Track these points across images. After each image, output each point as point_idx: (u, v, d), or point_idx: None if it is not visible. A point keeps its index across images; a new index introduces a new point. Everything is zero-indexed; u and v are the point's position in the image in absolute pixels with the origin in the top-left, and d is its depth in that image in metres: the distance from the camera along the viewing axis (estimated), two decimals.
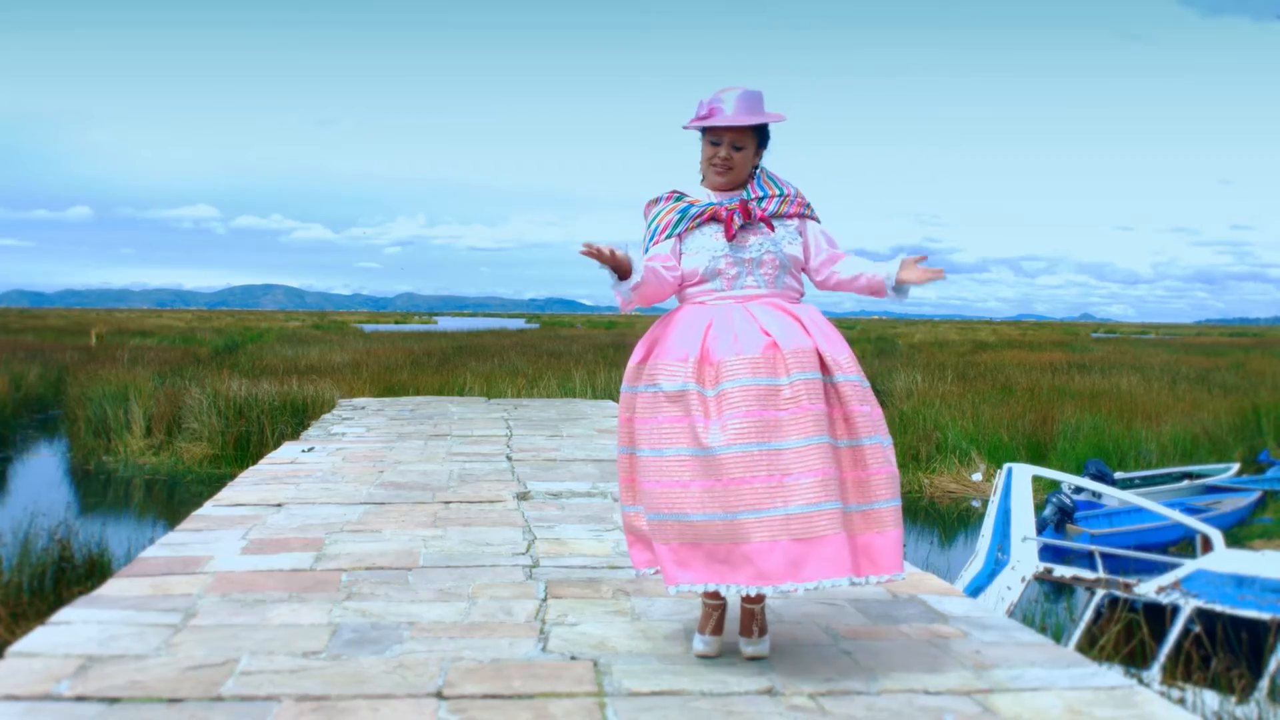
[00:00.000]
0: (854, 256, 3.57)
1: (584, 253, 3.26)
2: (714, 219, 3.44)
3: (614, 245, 3.30)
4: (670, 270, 3.43)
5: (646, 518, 3.32)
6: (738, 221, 3.41)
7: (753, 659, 3.41)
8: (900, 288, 3.50)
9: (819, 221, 3.57)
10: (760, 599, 3.46)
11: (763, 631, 3.48)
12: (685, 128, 3.52)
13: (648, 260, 3.39)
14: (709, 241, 3.42)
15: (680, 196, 3.51)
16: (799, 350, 3.25)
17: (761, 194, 3.48)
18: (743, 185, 3.50)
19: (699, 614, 3.57)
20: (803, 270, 3.55)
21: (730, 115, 3.38)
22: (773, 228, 3.45)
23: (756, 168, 3.55)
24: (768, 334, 3.28)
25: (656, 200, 3.54)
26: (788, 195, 3.50)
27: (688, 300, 3.47)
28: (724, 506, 3.17)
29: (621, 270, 3.31)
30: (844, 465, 3.26)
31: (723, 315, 3.36)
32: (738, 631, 3.49)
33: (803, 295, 3.54)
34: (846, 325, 68.82)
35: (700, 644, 3.46)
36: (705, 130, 3.47)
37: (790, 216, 3.50)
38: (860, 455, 3.27)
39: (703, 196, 3.49)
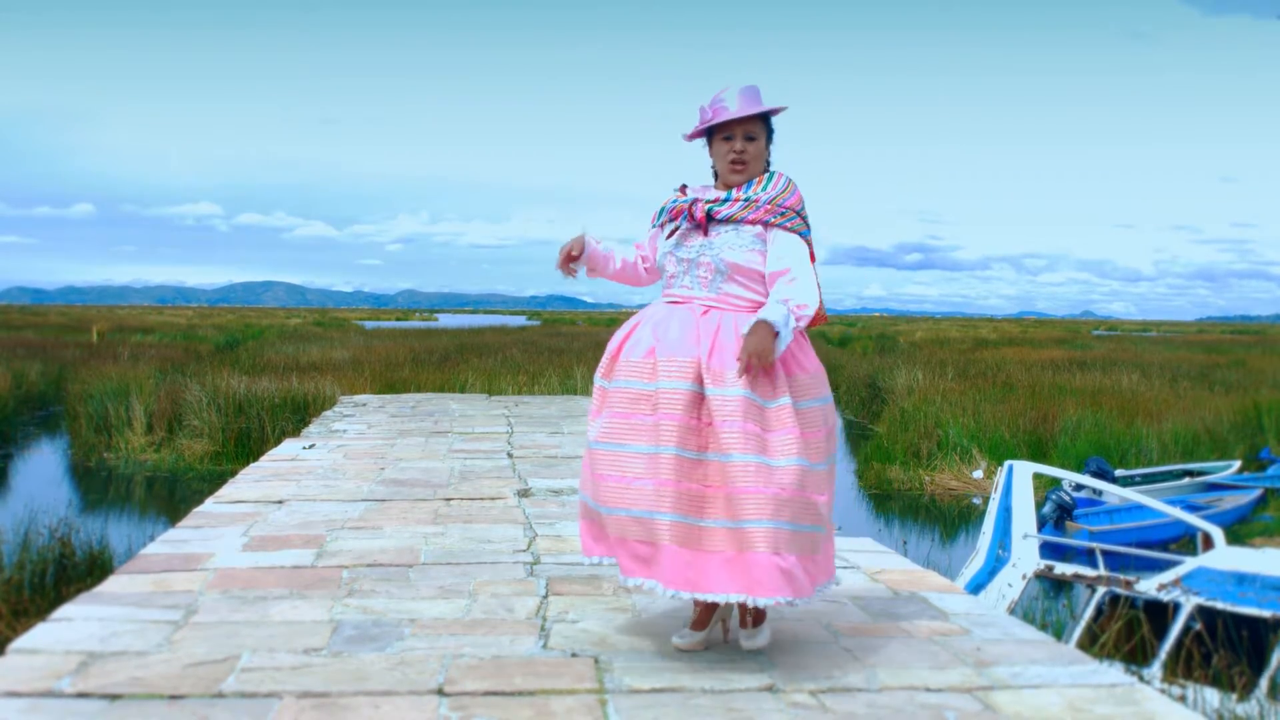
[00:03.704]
0: (782, 285, 3.34)
1: (559, 266, 3.59)
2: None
3: (571, 243, 3.58)
4: (645, 260, 3.65)
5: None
6: (680, 222, 3.47)
7: (752, 652, 3.41)
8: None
9: (796, 234, 3.40)
10: None
11: (758, 621, 3.44)
12: (690, 137, 3.54)
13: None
14: (666, 239, 3.53)
15: (681, 188, 3.57)
16: (672, 359, 3.28)
17: (726, 197, 3.44)
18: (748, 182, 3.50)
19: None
20: (761, 280, 3.41)
21: (738, 108, 3.41)
22: (707, 232, 3.42)
23: (769, 165, 3.54)
24: (657, 339, 3.35)
25: None
26: (754, 201, 3.41)
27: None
28: (593, 495, 3.38)
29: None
30: (710, 479, 3.19)
31: (650, 317, 3.45)
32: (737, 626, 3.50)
33: (755, 304, 3.38)
34: (846, 323, 68.60)
35: (676, 638, 3.49)
36: (715, 131, 3.48)
37: (751, 223, 3.40)
38: (727, 471, 3.17)
39: (707, 193, 3.52)
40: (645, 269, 3.64)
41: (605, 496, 3.31)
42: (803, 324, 3.33)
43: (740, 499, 3.15)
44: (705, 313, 3.37)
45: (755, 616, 3.45)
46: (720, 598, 3.16)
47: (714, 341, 3.29)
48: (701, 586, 3.18)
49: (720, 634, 3.54)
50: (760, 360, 3.18)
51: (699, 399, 3.25)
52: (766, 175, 3.50)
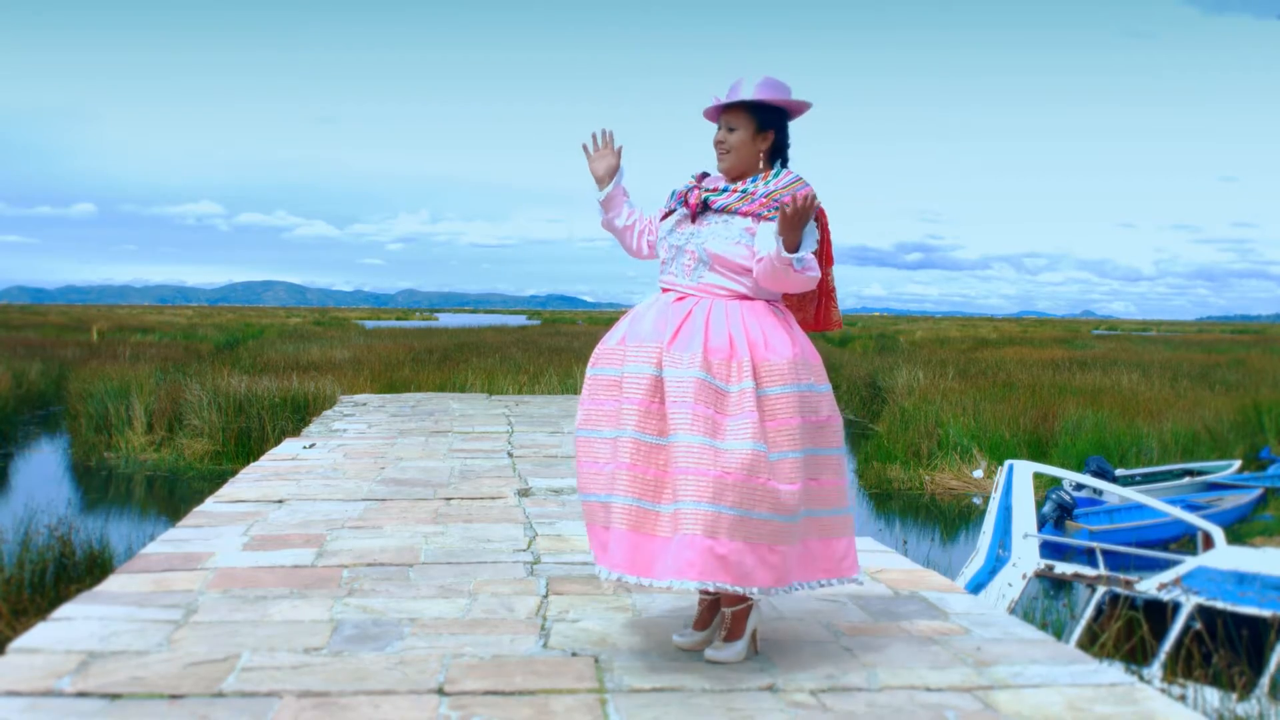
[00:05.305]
0: None
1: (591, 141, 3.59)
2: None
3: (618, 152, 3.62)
4: (647, 234, 3.61)
5: None
6: (677, 208, 3.48)
7: (718, 664, 3.32)
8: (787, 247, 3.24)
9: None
10: (726, 600, 3.39)
11: (732, 636, 3.37)
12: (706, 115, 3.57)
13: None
14: (662, 222, 3.55)
15: (699, 175, 3.56)
16: (640, 345, 3.31)
17: (725, 188, 3.42)
18: (749, 175, 3.45)
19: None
20: (746, 273, 3.37)
21: (726, 96, 3.43)
22: (695, 220, 3.41)
23: (778, 159, 3.48)
24: (631, 326, 3.40)
25: None
26: (751, 194, 3.37)
27: None
28: (576, 483, 3.47)
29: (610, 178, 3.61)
30: (668, 464, 3.18)
31: (635, 308, 3.49)
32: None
33: (743, 296, 3.36)
34: (847, 322, 68.56)
35: (677, 637, 3.48)
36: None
37: (745, 214, 3.36)
38: (673, 452, 3.15)
39: (709, 182, 3.51)
40: (647, 242, 3.61)
41: (581, 483, 3.38)
42: (810, 269, 3.26)
43: (680, 480, 3.12)
44: (680, 299, 3.38)
45: (731, 629, 3.38)
46: (659, 582, 3.12)
47: (679, 327, 3.29)
48: (647, 571, 3.15)
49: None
50: (801, 205, 3.15)
51: (660, 383, 3.24)
52: (774, 171, 3.45)
